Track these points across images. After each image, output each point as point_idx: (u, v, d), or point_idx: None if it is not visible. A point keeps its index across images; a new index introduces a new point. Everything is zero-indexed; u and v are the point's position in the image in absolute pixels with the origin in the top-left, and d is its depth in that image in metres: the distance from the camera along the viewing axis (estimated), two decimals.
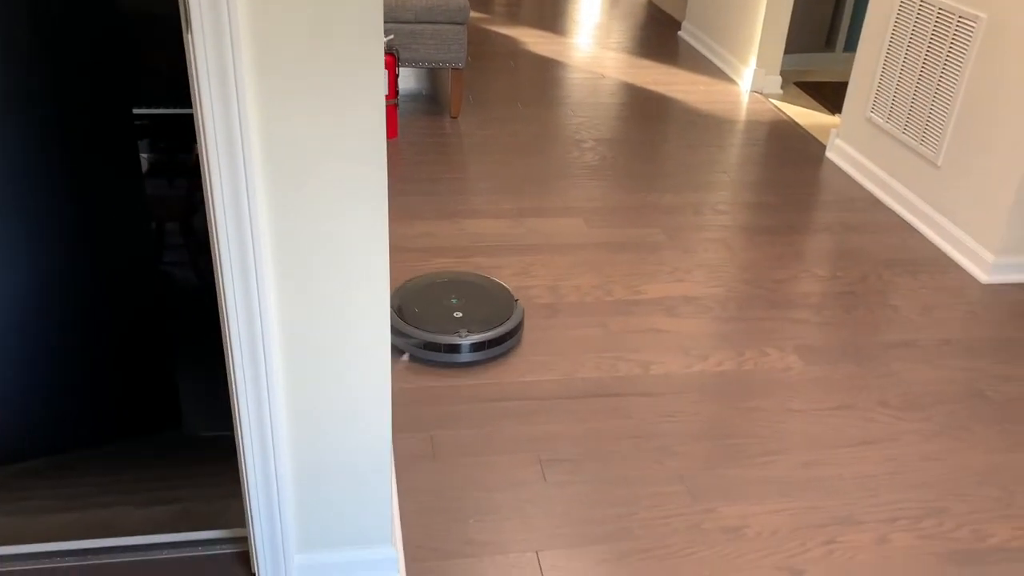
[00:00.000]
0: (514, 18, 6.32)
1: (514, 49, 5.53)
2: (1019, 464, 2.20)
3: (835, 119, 4.50)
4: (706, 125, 4.36)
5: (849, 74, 3.95)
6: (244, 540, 1.85)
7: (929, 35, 3.30)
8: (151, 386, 2.39)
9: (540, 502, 2.01)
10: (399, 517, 1.93)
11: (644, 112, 4.51)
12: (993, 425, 2.33)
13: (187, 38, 1.21)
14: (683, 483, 2.08)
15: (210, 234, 1.37)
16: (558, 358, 2.51)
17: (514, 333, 2.52)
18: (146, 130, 3.09)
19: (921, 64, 3.36)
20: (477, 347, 2.44)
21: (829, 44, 5.49)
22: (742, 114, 4.55)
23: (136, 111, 2.87)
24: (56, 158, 1.99)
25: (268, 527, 1.64)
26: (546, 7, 6.63)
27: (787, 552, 1.91)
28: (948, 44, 3.20)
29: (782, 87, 4.94)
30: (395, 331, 2.46)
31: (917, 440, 2.26)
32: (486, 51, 5.45)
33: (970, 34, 3.08)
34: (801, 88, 5.00)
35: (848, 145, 3.90)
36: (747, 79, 4.92)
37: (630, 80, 5.02)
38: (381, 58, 1.26)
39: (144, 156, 3.05)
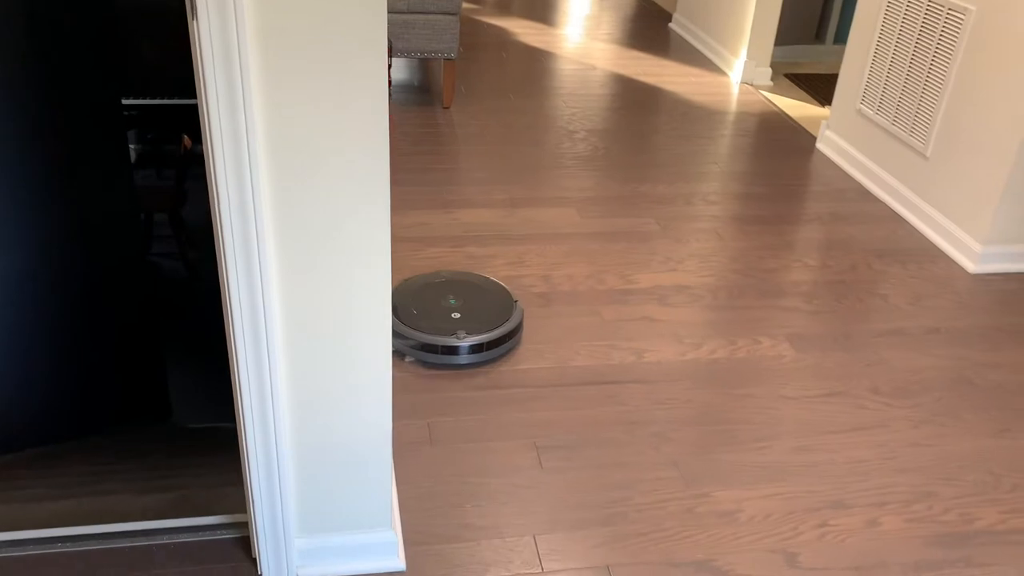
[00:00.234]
0: (505, 9, 6.32)
1: (505, 40, 5.53)
2: (1005, 449, 2.24)
3: (825, 111, 4.53)
4: (697, 116, 4.39)
5: (839, 66, 3.98)
6: (244, 526, 1.87)
7: (919, 27, 3.33)
8: (140, 378, 2.38)
9: (537, 487, 2.03)
10: (398, 502, 1.96)
11: (635, 103, 4.53)
12: (980, 411, 2.37)
13: (193, 26, 1.22)
14: (677, 468, 2.11)
15: (213, 223, 1.38)
16: (553, 346, 2.53)
17: (514, 334, 2.49)
18: (133, 120, 3.09)
19: (910, 56, 3.39)
20: (475, 349, 2.40)
21: (819, 36, 5.52)
22: (733, 105, 4.57)
23: (124, 101, 2.86)
24: (44, 149, 1.98)
25: (269, 511, 1.66)
26: None
27: (780, 535, 1.94)
28: (937, 36, 3.23)
29: (772, 79, 4.97)
30: (392, 332, 2.45)
31: (906, 426, 2.30)
32: (478, 42, 5.45)
33: (959, 26, 3.11)
34: (791, 80, 5.03)
35: (838, 136, 3.93)
36: (737, 71, 4.94)
37: (621, 71, 5.04)
38: (384, 44, 1.28)
39: (132, 147, 3.05)
